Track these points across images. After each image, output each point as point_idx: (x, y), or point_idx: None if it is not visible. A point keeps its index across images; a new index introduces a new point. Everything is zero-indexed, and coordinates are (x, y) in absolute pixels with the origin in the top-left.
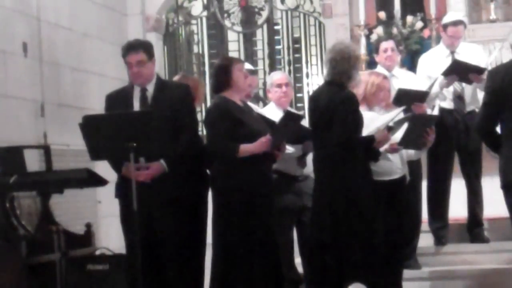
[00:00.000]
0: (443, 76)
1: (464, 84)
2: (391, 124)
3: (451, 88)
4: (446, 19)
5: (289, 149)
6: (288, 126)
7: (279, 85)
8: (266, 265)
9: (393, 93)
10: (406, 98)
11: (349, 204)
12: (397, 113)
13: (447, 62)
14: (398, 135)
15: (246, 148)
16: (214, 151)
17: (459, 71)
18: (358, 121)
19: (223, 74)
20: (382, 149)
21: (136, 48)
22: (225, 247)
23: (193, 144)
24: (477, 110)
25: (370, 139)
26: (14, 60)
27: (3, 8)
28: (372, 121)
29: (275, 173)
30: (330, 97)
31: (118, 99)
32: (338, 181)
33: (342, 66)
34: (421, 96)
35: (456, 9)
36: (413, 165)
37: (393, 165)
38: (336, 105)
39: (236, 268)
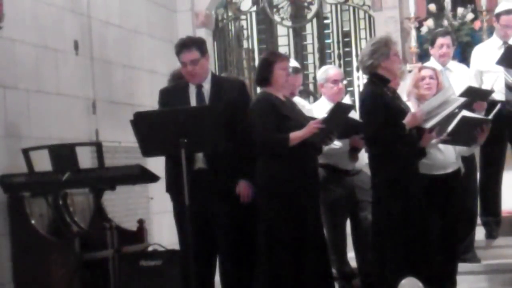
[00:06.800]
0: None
1: None
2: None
3: (502, 79)
4: (498, 9)
5: (336, 144)
6: (339, 116)
7: (335, 81)
8: (312, 259)
9: (447, 86)
10: (473, 95)
11: (393, 198)
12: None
13: (499, 54)
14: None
15: (296, 135)
16: (265, 144)
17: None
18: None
19: (265, 70)
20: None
21: (189, 47)
22: (269, 240)
23: (249, 139)
24: None
25: (402, 126)
26: (66, 58)
27: (54, 7)
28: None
29: (326, 168)
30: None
31: (175, 95)
32: (382, 177)
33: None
34: (485, 95)
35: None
36: (467, 158)
37: (446, 158)
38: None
39: (279, 262)
